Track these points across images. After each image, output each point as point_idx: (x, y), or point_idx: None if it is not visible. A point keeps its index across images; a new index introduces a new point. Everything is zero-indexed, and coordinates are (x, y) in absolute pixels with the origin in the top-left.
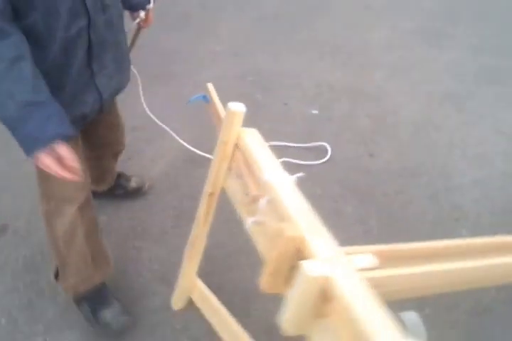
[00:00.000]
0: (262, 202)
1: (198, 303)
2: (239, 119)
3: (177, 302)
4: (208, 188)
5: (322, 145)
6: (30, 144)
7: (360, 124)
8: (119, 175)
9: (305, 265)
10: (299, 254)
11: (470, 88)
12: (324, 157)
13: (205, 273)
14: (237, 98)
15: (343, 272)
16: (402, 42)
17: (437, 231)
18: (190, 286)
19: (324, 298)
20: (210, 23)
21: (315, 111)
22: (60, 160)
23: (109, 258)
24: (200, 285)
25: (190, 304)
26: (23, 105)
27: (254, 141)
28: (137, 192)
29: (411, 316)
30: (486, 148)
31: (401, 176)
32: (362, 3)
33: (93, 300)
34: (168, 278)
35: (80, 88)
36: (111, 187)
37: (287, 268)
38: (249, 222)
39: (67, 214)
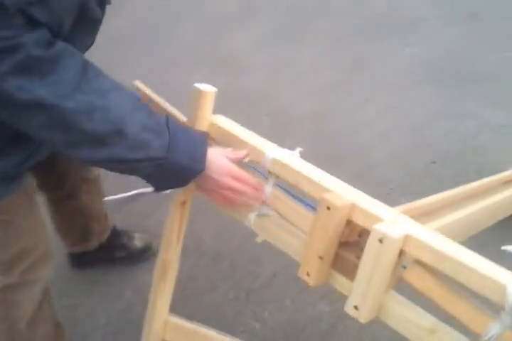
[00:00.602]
0: (268, 188)
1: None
2: (210, 102)
3: None
4: (179, 197)
5: None
6: (194, 166)
7: (264, 123)
8: (118, 232)
9: (379, 228)
10: (350, 226)
11: (345, 75)
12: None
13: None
14: None
15: (417, 228)
16: (268, 44)
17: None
18: (162, 327)
19: (398, 264)
20: None
21: None
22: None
23: (62, 324)
24: (174, 319)
25: None
26: (161, 128)
27: (231, 123)
28: (143, 254)
29: None
30: (384, 123)
31: (325, 163)
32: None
33: None
34: (122, 330)
35: None
36: (108, 248)
37: (336, 247)
38: (253, 215)
39: (40, 280)
